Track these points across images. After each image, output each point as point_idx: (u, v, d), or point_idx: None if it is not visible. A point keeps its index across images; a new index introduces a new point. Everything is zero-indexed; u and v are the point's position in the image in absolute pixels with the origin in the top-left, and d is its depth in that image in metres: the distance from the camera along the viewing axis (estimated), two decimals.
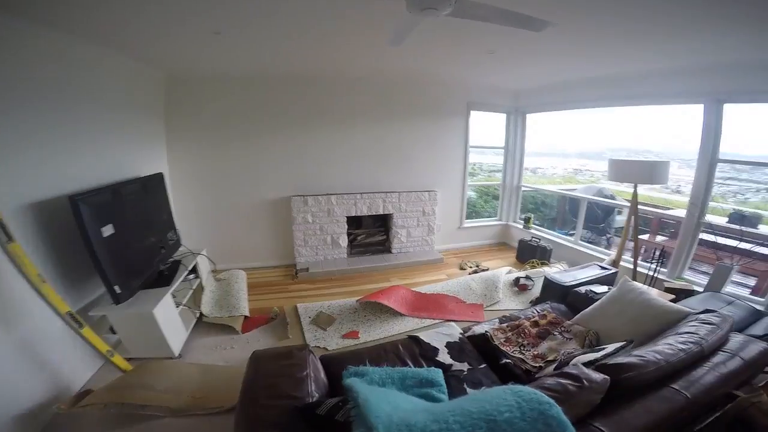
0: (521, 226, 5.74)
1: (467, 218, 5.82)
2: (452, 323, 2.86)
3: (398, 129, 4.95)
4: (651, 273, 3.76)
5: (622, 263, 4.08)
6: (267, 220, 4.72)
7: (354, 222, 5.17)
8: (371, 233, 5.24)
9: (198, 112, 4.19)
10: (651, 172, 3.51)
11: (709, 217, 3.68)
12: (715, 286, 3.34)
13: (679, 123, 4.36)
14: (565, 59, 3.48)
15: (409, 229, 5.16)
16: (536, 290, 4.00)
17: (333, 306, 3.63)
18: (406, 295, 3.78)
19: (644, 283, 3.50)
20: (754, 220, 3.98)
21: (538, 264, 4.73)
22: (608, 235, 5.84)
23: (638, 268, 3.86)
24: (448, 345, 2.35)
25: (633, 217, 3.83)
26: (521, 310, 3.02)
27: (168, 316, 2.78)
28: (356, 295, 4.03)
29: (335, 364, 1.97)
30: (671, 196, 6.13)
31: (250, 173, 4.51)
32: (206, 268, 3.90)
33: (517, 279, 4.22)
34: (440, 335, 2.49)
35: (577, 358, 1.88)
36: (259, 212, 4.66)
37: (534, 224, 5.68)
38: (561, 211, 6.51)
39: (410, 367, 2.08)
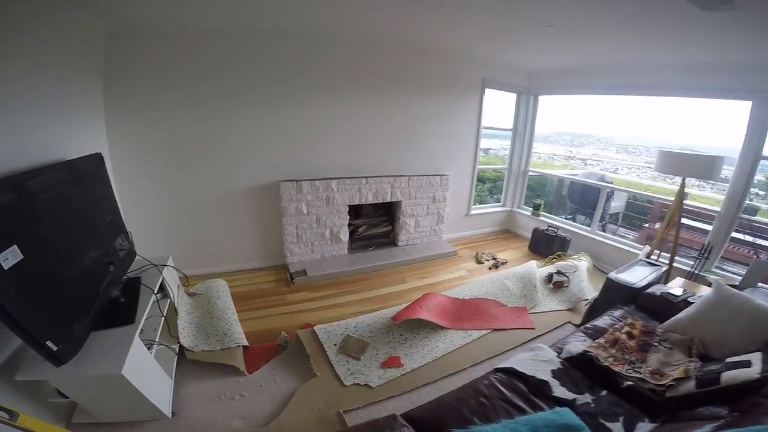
0: (528, 213, 5.37)
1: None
2: (542, 345, 2.26)
3: (407, 104, 4.14)
4: (691, 269, 3.56)
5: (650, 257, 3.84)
6: (248, 212, 3.70)
7: (351, 211, 4.34)
8: (373, 224, 4.45)
9: (152, 74, 2.99)
10: (705, 166, 3.18)
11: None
12: (750, 281, 3.19)
13: (709, 117, 4.21)
14: (615, 39, 3.04)
15: (417, 218, 4.46)
16: (573, 288, 3.62)
17: (358, 325, 2.85)
18: (443, 304, 3.13)
19: (685, 279, 3.29)
20: None
21: (564, 257, 4.36)
22: (604, 222, 5.72)
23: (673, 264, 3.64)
24: (554, 373, 1.91)
25: (674, 211, 3.54)
26: (590, 325, 2.55)
27: (144, 369, 1.83)
28: (372, 303, 3.30)
29: (429, 427, 1.50)
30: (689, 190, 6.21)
31: (224, 153, 3.42)
32: (175, 281, 2.85)
33: (550, 275, 3.80)
34: (538, 362, 1.99)
35: (728, 374, 1.67)
36: (238, 202, 3.61)
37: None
38: (557, 196, 6.28)
39: (529, 412, 1.65)
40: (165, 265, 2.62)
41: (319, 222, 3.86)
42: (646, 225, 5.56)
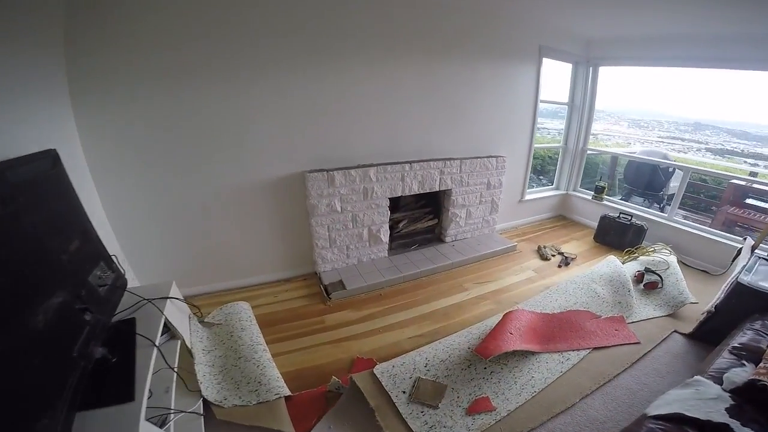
0: (587, 197, 4.61)
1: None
2: (700, 378, 1.68)
3: (456, 75, 3.30)
4: None
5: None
6: (267, 213, 2.94)
7: (390, 204, 3.61)
8: (415, 217, 3.71)
9: (129, 45, 2.16)
10: None
11: None
12: None
13: None
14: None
15: (469, 208, 3.71)
16: (669, 289, 2.92)
17: (428, 363, 2.14)
18: (531, 322, 2.43)
19: None
20: None
21: (644, 250, 3.61)
22: (662, 204, 4.93)
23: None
24: (730, 412, 1.53)
25: None
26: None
27: None
28: (432, 322, 2.65)
29: None
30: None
31: (231, 142, 2.62)
32: (184, 311, 2.16)
33: (641, 275, 3.08)
34: (705, 401, 1.58)
35: None
36: (254, 201, 2.85)
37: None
38: (610, 177, 5.45)
39: None
40: (167, 297, 1.92)
41: (356, 220, 3.13)
42: (718, 208, 4.76)
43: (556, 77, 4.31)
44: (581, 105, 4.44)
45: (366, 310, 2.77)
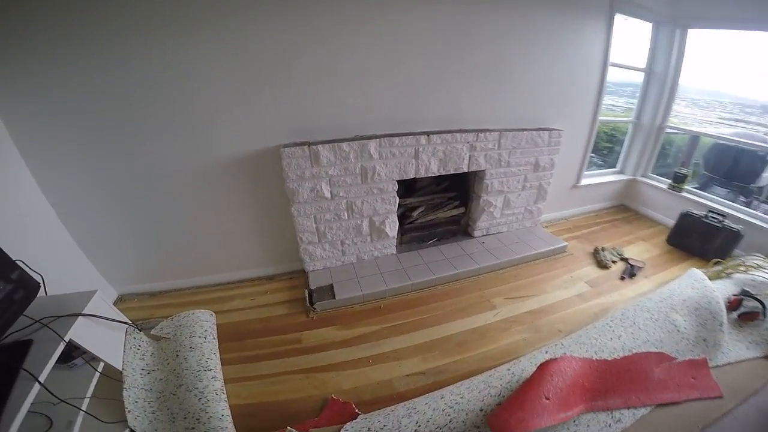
0: (658, 185, 3.52)
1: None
2: None
3: (497, 23, 2.36)
4: None
5: None
6: (241, 197, 2.32)
7: (401, 186, 2.85)
8: (435, 203, 2.93)
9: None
10: None
11: None
12: None
13: None
14: None
15: (508, 195, 2.85)
16: None
17: (419, 427, 1.46)
18: (579, 374, 1.66)
19: None
20: None
21: (744, 266, 2.53)
22: (749, 198, 3.60)
23: None
24: None
25: None
26: None
27: None
28: (441, 354, 2.00)
29: None
30: None
31: (189, 108, 1.97)
32: (115, 326, 1.66)
33: (737, 301, 2.13)
34: None
35: None
36: (223, 183, 2.23)
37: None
38: (686, 162, 4.13)
39: None
40: (80, 314, 1.42)
41: (352, 210, 2.43)
42: None
43: (630, 39, 3.15)
44: (664, 74, 3.27)
45: (357, 329, 2.14)
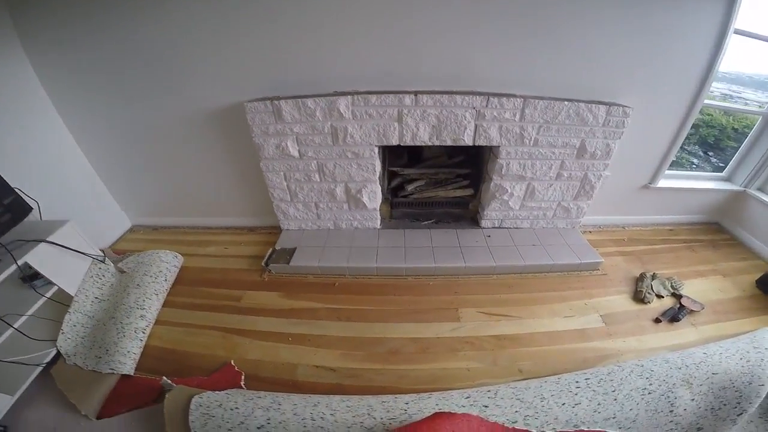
0: None
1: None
2: None
3: None
4: None
5: None
6: (217, 150, 2.27)
7: (403, 149, 2.41)
8: (440, 179, 2.43)
9: None
10: None
11: None
12: None
13: None
14: None
15: (533, 182, 2.19)
16: None
17: (270, 422, 1.31)
18: None
19: None
20: None
21: None
22: None
23: None
24: None
25: None
26: None
27: None
28: (369, 355, 1.78)
29: None
30: None
31: (173, 59, 1.91)
32: (72, 258, 1.86)
33: None
34: None
35: None
36: (201, 134, 2.19)
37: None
38: None
39: None
40: (42, 241, 1.62)
41: (323, 172, 2.15)
42: None
43: None
44: None
45: (298, 301, 2.01)
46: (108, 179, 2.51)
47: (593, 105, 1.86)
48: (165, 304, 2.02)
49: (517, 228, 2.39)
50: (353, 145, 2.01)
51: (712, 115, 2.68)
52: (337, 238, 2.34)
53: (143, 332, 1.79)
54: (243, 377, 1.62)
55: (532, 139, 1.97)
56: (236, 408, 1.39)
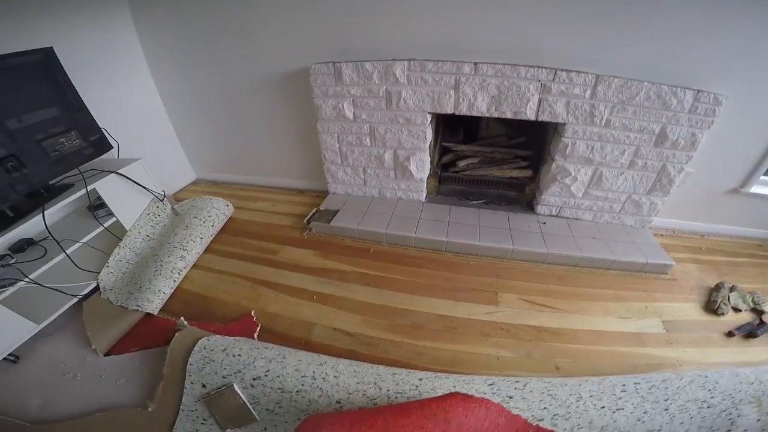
0: None
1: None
2: None
3: None
4: None
5: None
6: (282, 112, 2.39)
7: (459, 125, 2.32)
8: (495, 158, 2.29)
9: None
10: None
11: None
12: None
13: None
14: None
15: (601, 168, 1.97)
16: None
17: (268, 373, 1.32)
18: None
19: None
20: None
21: None
22: None
23: None
24: None
25: None
26: None
27: None
28: (392, 325, 1.71)
29: None
30: None
31: (249, 26, 2.07)
32: (142, 192, 2.07)
33: None
34: None
35: None
36: (269, 96, 2.33)
37: None
38: None
39: None
40: (114, 172, 1.84)
41: (374, 136, 2.13)
42: None
43: None
44: None
45: (331, 262, 2.04)
46: (181, 134, 2.78)
47: (678, 89, 1.62)
48: (207, 250, 2.16)
49: (577, 219, 2.19)
50: (406, 111, 1.97)
51: None
52: (381, 206, 2.33)
53: (179, 273, 1.91)
54: (258, 329, 1.64)
55: (604, 119, 1.77)
56: (239, 355, 1.38)
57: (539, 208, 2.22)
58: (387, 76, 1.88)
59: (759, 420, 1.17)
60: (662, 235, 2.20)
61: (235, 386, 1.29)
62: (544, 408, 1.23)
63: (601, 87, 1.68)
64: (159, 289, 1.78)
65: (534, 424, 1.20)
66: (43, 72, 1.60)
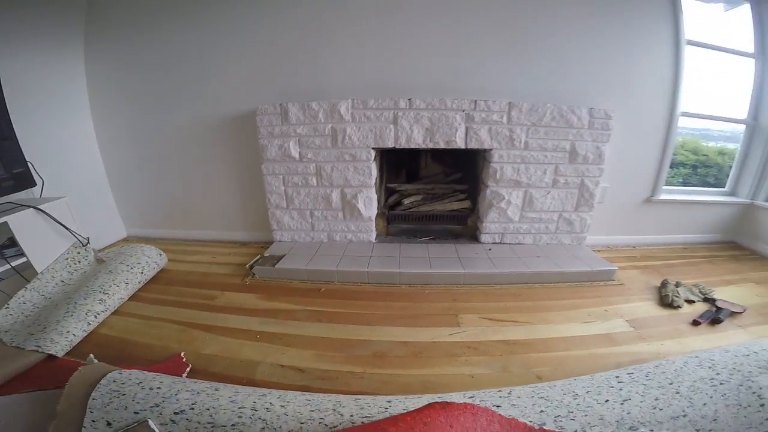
0: None
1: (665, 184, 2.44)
2: None
3: None
4: None
5: None
6: (224, 157, 2.40)
7: (401, 166, 2.49)
8: (436, 193, 2.43)
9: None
10: None
11: None
12: None
13: None
14: None
15: (530, 189, 2.17)
16: None
17: (195, 405, 1.00)
18: None
19: None
20: None
21: None
22: None
23: None
24: None
25: None
26: None
27: None
28: (348, 356, 1.48)
29: None
30: None
31: (198, 71, 2.22)
32: (61, 234, 1.81)
33: None
34: None
35: None
36: (210, 141, 2.35)
37: None
38: None
39: None
40: (31, 207, 1.63)
41: (321, 176, 2.18)
42: None
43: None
44: None
45: (277, 303, 1.81)
46: (114, 183, 2.62)
47: (575, 107, 1.96)
48: (132, 298, 1.86)
49: (519, 243, 2.26)
50: (351, 147, 2.09)
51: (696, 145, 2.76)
52: (331, 249, 2.23)
53: (95, 316, 1.59)
54: (188, 369, 1.35)
55: (522, 141, 2.03)
56: (158, 388, 1.09)
57: (483, 237, 2.29)
58: (332, 114, 2.03)
59: None
60: (599, 251, 2.33)
61: (150, 422, 0.96)
62: (541, 411, 1.06)
63: (514, 112, 1.97)
64: (68, 330, 1.45)
65: (538, 428, 1.02)
66: None
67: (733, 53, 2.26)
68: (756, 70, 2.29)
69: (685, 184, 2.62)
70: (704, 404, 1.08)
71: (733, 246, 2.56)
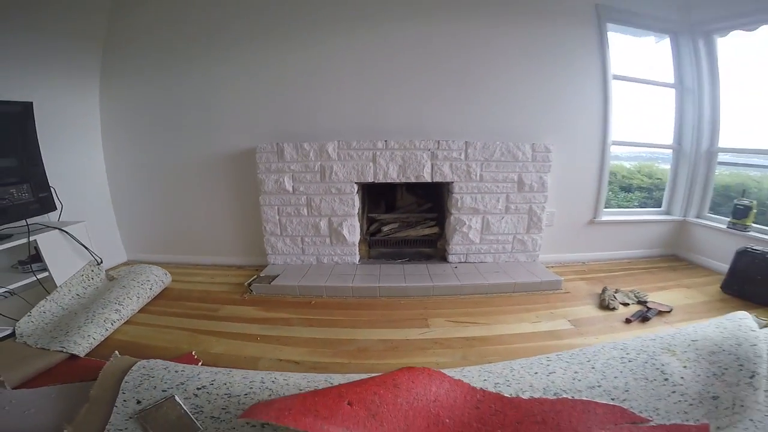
0: (721, 226, 2.62)
1: (606, 207, 2.89)
2: None
3: (464, 38, 2.46)
4: None
5: None
6: (225, 189, 2.76)
7: (380, 198, 2.88)
8: (410, 222, 2.81)
9: (152, 35, 2.61)
10: None
11: None
12: None
13: None
14: None
15: (487, 216, 2.57)
16: None
17: (213, 383, 1.29)
18: (447, 400, 1.26)
19: None
20: None
21: None
22: None
23: None
24: None
25: None
26: None
27: None
28: (337, 351, 1.76)
29: None
30: None
31: (203, 113, 2.64)
32: (79, 253, 2.09)
33: None
34: None
35: None
36: (213, 175, 2.73)
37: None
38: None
39: None
40: (56, 228, 1.92)
41: (311, 206, 2.55)
42: None
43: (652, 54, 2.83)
44: (695, 87, 2.71)
45: (275, 313, 2.10)
46: (118, 210, 2.92)
47: (520, 143, 2.43)
48: (142, 311, 2.11)
49: (482, 262, 2.62)
50: (337, 182, 2.48)
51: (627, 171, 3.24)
52: (319, 269, 2.55)
53: (112, 323, 1.85)
54: (200, 365, 1.59)
55: (478, 174, 2.47)
56: (182, 371, 1.38)
57: (451, 257, 2.65)
58: (321, 154, 2.44)
59: (685, 367, 1.39)
60: (552, 267, 2.70)
61: (176, 397, 1.23)
62: (484, 380, 1.39)
63: (470, 149, 2.42)
64: (89, 334, 1.70)
65: (479, 388, 1.33)
66: (17, 124, 1.80)
67: (656, 84, 2.80)
68: (676, 99, 2.83)
69: (642, 206, 3.10)
70: (615, 377, 1.40)
71: (672, 258, 2.99)
